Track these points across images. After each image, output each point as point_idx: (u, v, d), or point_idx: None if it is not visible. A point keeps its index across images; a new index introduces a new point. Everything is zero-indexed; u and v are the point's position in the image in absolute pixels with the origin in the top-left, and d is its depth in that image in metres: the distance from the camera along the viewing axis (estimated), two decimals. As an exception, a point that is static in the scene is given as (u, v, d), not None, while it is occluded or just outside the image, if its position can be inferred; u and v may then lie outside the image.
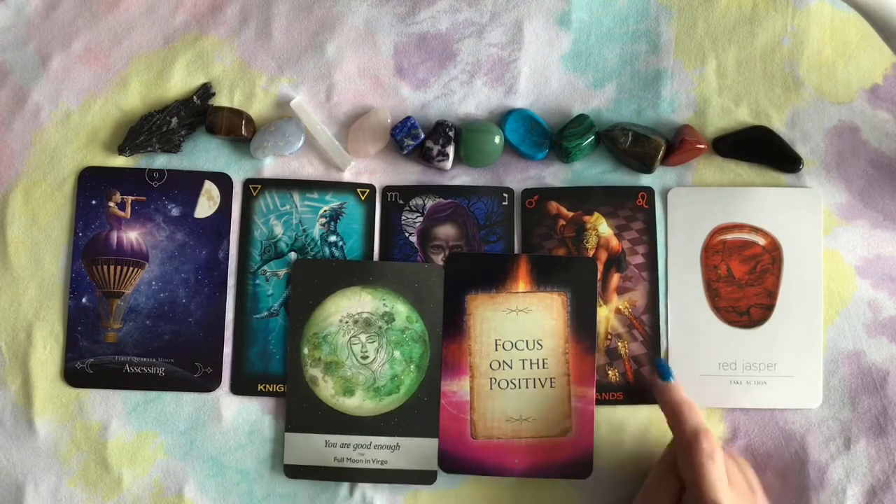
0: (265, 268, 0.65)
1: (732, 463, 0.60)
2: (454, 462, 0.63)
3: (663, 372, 0.61)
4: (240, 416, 0.65)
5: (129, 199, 0.66)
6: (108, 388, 0.65)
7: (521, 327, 0.63)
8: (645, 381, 0.64)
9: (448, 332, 0.64)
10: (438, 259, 0.65)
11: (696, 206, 0.65)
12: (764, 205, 0.64)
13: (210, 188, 0.66)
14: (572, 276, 0.64)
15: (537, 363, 0.63)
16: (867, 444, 0.63)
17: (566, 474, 0.63)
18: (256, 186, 0.66)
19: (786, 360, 0.64)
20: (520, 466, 0.63)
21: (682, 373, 0.64)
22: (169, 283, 0.65)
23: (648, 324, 0.64)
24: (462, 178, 0.66)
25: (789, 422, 0.64)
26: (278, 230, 0.65)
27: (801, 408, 0.64)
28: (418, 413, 0.64)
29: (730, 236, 0.64)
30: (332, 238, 0.65)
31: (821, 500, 0.62)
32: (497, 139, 0.64)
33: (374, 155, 0.66)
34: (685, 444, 0.56)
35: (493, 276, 0.64)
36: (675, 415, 0.58)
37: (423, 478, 0.63)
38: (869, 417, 0.63)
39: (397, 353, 0.64)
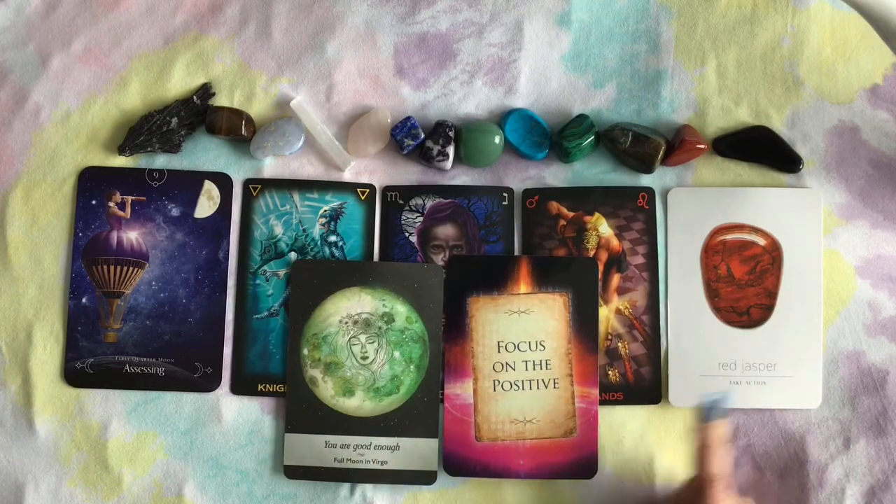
0: (265, 268, 0.65)
1: None
2: (459, 465, 0.63)
3: (707, 414, 0.59)
4: (240, 417, 0.65)
5: (129, 199, 0.66)
6: (108, 388, 0.65)
7: (523, 329, 0.63)
8: (644, 381, 0.64)
9: (450, 334, 0.64)
10: (438, 259, 0.65)
11: (696, 207, 0.65)
12: (764, 205, 0.64)
13: (210, 188, 0.66)
14: (573, 277, 0.64)
15: (540, 364, 0.63)
16: (867, 444, 0.63)
17: (571, 474, 0.63)
18: (256, 186, 0.66)
19: (785, 361, 0.64)
20: (525, 468, 0.63)
21: (682, 373, 0.64)
22: (169, 283, 0.65)
23: (648, 324, 0.64)
24: (462, 178, 0.66)
25: (789, 422, 0.64)
26: (278, 230, 0.65)
27: (800, 408, 0.64)
28: (418, 413, 0.64)
29: (730, 236, 0.64)
30: (332, 238, 0.65)
31: (819, 500, 0.63)
32: (497, 139, 0.64)
33: (374, 155, 0.66)
34: (698, 484, 0.57)
35: (495, 278, 0.64)
36: (701, 454, 0.58)
37: (423, 478, 0.63)
38: (868, 417, 0.63)
39: (397, 354, 0.64)
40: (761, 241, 0.64)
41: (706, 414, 0.59)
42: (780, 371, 0.64)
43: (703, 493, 0.56)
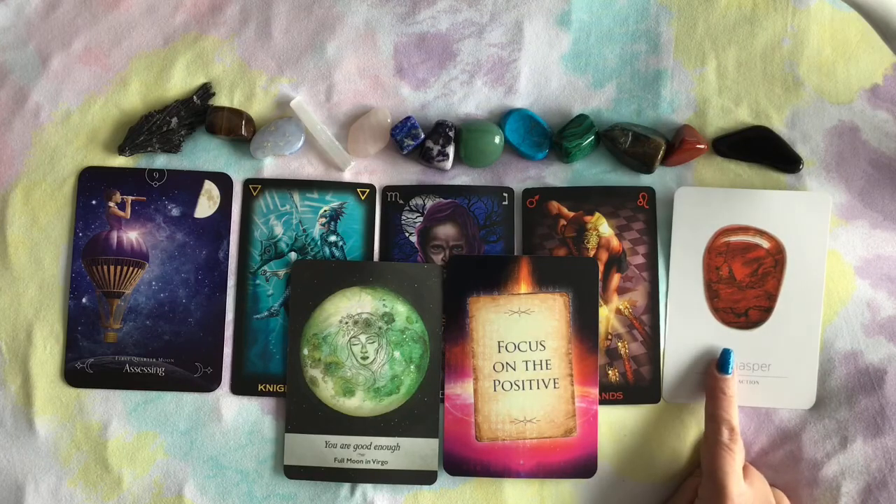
0: (265, 268, 0.65)
1: (762, 481, 0.61)
2: (459, 465, 0.63)
3: (724, 365, 0.62)
4: (240, 417, 0.65)
5: (129, 199, 0.66)
6: (108, 388, 0.65)
7: (523, 329, 0.63)
8: (644, 380, 0.64)
9: (450, 334, 0.64)
10: (438, 259, 0.65)
11: (701, 207, 0.65)
12: (770, 207, 0.64)
13: (210, 188, 0.66)
14: (573, 277, 0.64)
15: (540, 364, 0.63)
16: (864, 444, 0.63)
17: (571, 474, 0.63)
18: (256, 186, 0.66)
19: (780, 362, 0.64)
20: (525, 467, 0.63)
21: (679, 372, 0.64)
22: (169, 283, 0.65)
23: (648, 324, 0.64)
24: (462, 178, 0.66)
25: (785, 420, 0.64)
26: (278, 230, 0.65)
27: (792, 408, 0.64)
28: (418, 413, 0.64)
29: (734, 238, 0.64)
30: (332, 238, 0.65)
31: (814, 496, 0.63)
32: (497, 139, 0.64)
33: (374, 155, 0.66)
34: (709, 430, 0.60)
35: (495, 277, 0.64)
36: (712, 401, 0.61)
37: (423, 478, 0.63)
38: (866, 417, 0.63)
39: (397, 354, 0.64)
40: (765, 244, 0.64)
41: (726, 366, 0.62)
42: (774, 371, 0.64)
43: (713, 435, 0.60)
